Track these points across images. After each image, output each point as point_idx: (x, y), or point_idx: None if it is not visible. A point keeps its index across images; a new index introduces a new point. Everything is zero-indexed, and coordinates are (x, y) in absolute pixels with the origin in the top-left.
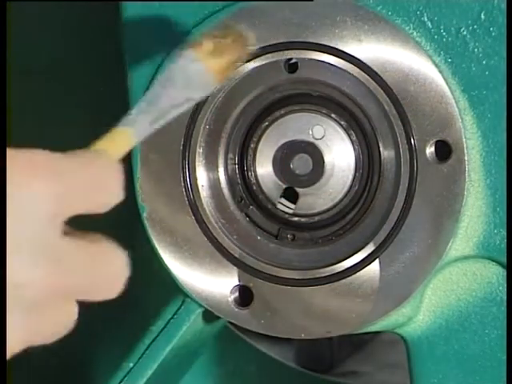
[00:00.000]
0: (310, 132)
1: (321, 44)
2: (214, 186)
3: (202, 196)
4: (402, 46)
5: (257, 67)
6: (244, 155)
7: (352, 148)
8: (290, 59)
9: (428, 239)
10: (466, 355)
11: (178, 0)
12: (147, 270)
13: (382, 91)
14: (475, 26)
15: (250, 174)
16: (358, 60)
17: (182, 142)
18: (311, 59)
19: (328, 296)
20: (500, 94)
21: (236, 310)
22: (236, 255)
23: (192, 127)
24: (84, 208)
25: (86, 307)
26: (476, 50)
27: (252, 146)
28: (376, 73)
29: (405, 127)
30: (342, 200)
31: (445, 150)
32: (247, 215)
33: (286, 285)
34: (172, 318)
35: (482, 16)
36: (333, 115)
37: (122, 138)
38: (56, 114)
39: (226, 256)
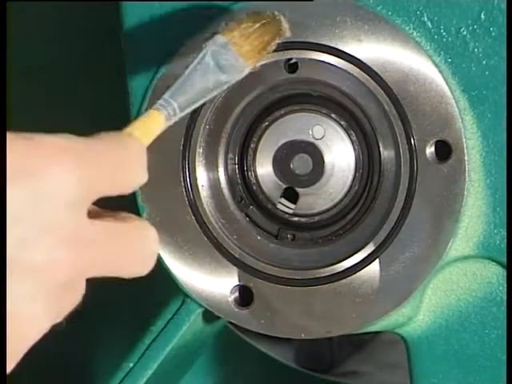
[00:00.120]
0: (310, 132)
1: (321, 44)
2: (214, 185)
3: (202, 196)
4: (402, 46)
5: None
6: (244, 155)
7: (352, 148)
8: (290, 59)
9: (428, 239)
10: (466, 355)
11: (178, 0)
12: None
13: (382, 91)
14: (475, 26)
15: (249, 174)
16: (358, 60)
17: (182, 142)
18: (311, 59)
19: (328, 296)
20: (500, 94)
21: (236, 309)
22: (236, 255)
23: (192, 127)
24: (109, 191)
25: (86, 307)
26: (476, 49)
27: (252, 145)
28: (376, 73)
29: (405, 127)
30: (342, 200)
31: (445, 150)
32: (247, 215)
33: (286, 285)
34: (172, 318)
35: (482, 16)
36: (333, 115)
37: (154, 121)
38: (56, 113)
39: (226, 256)
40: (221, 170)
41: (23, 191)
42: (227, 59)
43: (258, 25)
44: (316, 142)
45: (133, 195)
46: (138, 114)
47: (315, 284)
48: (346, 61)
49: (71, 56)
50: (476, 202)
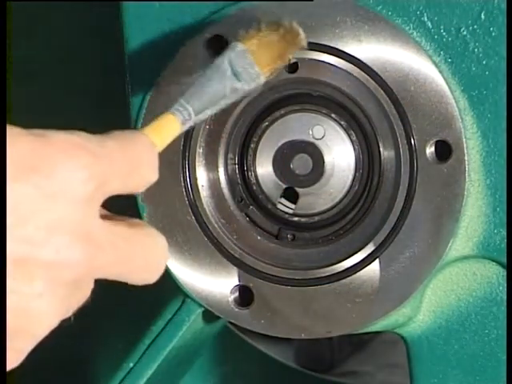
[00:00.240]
0: (310, 132)
1: (321, 44)
2: (214, 185)
3: (202, 196)
4: (401, 46)
5: None
6: (244, 155)
7: (352, 148)
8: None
9: (428, 239)
10: (466, 355)
11: (178, 0)
12: None
13: (382, 91)
14: (475, 26)
15: (249, 173)
16: (358, 60)
17: (182, 142)
18: (311, 59)
19: (328, 296)
20: (500, 94)
21: (236, 310)
22: (236, 255)
23: (192, 127)
24: (119, 189)
25: (86, 307)
26: (476, 50)
27: (252, 146)
28: (376, 73)
29: (405, 127)
30: (342, 200)
31: (445, 150)
32: (247, 215)
33: (286, 285)
34: (172, 318)
35: (482, 16)
36: (333, 115)
37: (169, 125)
38: (56, 113)
39: (226, 256)
40: (221, 170)
41: (34, 188)
42: (244, 67)
43: (276, 34)
44: (316, 142)
45: (133, 195)
46: (138, 114)
47: (315, 284)
48: (346, 61)
49: (71, 56)
50: (476, 202)
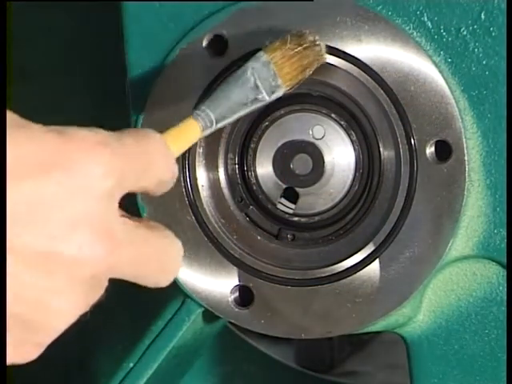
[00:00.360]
0: (310, 132)
1: None
2: (214, 185)
3: (202, 196)
4: (401, 46)
5: None
6: (244, 155)
7: (352, 148)
8: None
9: (428, 239)
10: (466, 355)
11: (178, 0)
12: None
13: (382, 91)
14: (475, 26)
15: (249, 173)
16: (358, 60)
17: None
18: None
19: (328, 296)
20: (500, 94)
21: (236, 310)
22: (236, 255)
23: None
24: (134, 185)
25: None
26: (476, 50)
27: (252, 145)
28: (376, 73)
29: (405, 127)
30: (342, 200)
31: (445, 150)
32: (247, 215)
33: (287, 285)
34: (172, 318)
35: (482, 16)
36: (333, 115)
37: (189, 131)
38: (56, 113)
39: (226, 256)
40: (221, 170)
41: (56, 184)
42: (266, 78)
43: (299, 48)
44: (316, 142)
45: (133, 195)
46: (138, 115)
47: (315, 284)
48: (346, 61)
49: (71, 56)
50: (476, 202)
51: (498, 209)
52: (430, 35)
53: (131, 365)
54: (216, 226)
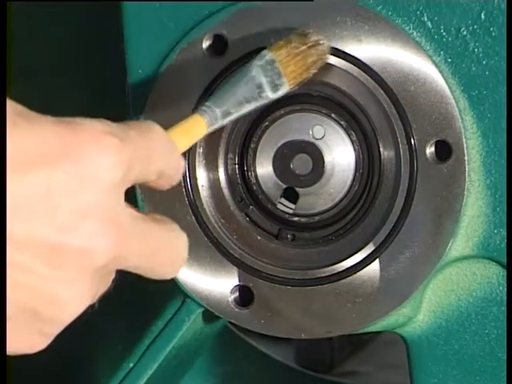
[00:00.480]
0: (310, 132)
1: None
2: (214, 185)
3: (202, 196)
4: (401, 46)
5: None
6: (244, 155)
7: (352, 148)
8: None
9: (428, 239)
10: (466, 355)
11: (178, 0)
12: None
13: (382, 91)
14: (475, 26)
15: (249, 173)
16: (358, 60)
17: None
18: None
19: (328, 296)
20: (500, 94)
21: (236, 310)
22: (236, 255)
23: None
24: (138, 175)
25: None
26: (476, 50)
27: (252, 145)
28: (376, 73)
29: (405, 127)
30: (342, 200)
31: (445, 150)
32: (247, 215)
33: (286, 285)
34: (172, 318)
35: (482, 16)
36: (333, 115)
37: (196, 126)
38: (55, 113)
39: (226, 256)
40: (221, 170)
41: (65, 174)
42: (271, 76)
43: (304, 47)
44: (316, 142)
45: (133, 195)
46: (138, 115)
47: (315, 284)
48: (346, 61)
49: (71, 56)
50: (476, 202)
51: (497, 209)
52: (430, 35)
53: (131, 365)
54: (216, 226)
